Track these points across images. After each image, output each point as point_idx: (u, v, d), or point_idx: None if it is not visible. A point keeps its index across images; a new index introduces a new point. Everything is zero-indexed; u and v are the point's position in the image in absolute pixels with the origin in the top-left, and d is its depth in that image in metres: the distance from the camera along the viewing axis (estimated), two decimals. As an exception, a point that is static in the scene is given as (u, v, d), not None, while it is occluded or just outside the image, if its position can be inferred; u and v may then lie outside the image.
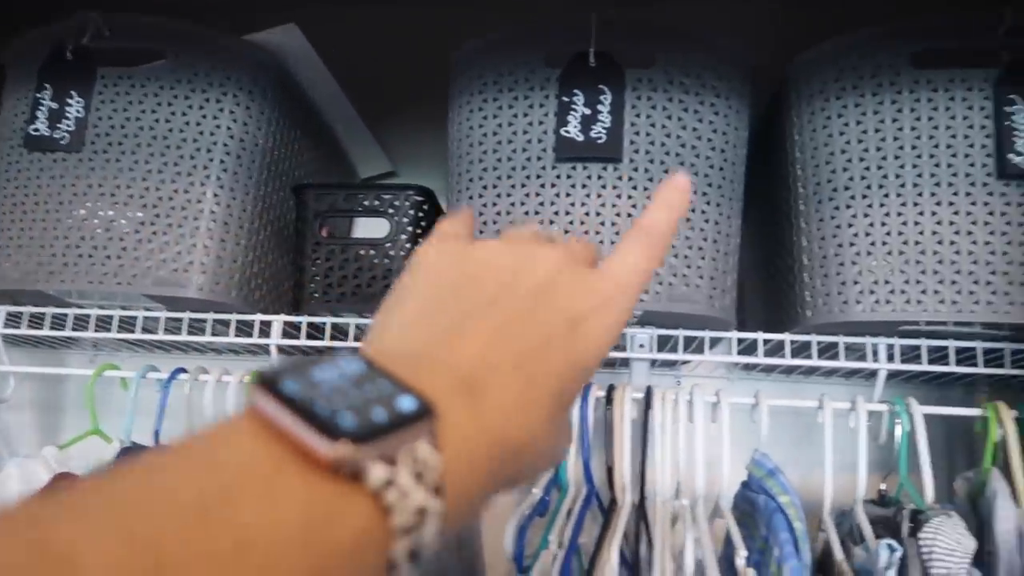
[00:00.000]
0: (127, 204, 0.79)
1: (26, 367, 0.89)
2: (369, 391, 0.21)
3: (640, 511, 0.71)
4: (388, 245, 0.82)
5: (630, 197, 0.76)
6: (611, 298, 0.29)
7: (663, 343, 0.83)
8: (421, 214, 0.84)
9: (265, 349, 0.83)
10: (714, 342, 0.81)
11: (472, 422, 0.24)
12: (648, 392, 0.74)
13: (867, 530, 0.64)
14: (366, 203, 0.84)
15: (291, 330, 0.83)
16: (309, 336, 0.82)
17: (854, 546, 0.65)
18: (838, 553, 0.62)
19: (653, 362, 0.84)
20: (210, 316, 0.83)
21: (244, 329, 0.84)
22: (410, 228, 0.83)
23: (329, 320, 0.81)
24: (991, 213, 0.72)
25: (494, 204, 0.78)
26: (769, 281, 0.91)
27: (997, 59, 0.77)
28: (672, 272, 0.75)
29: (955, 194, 0.73)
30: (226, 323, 0.83)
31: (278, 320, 0.82)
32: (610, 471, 0.73)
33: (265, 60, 0.85)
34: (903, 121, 0.76)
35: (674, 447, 0.71)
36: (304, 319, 0.82)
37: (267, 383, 0.20)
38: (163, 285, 0.77)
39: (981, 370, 0.75)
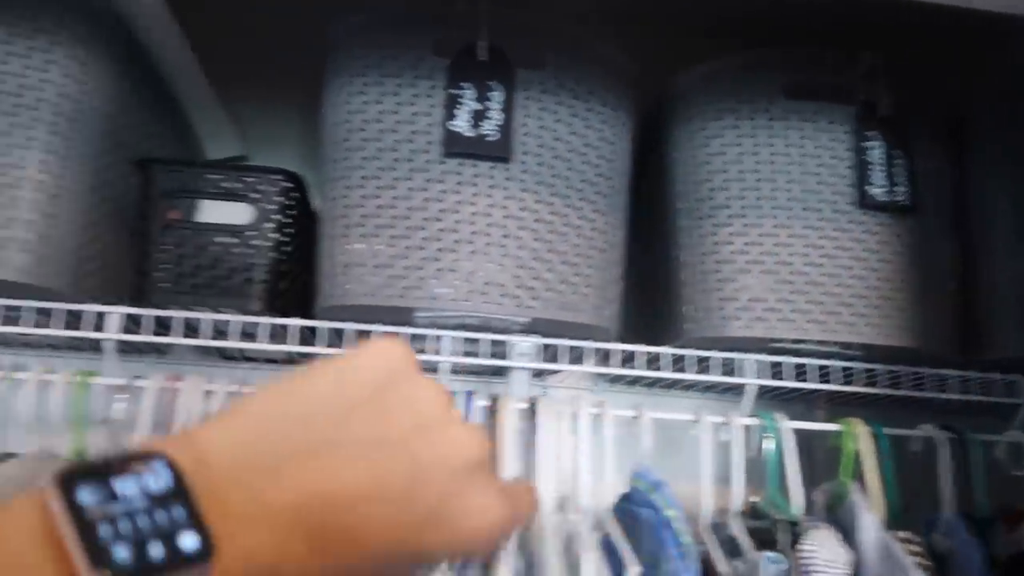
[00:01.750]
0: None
1: None
2: (160, 519, 0.20)
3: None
4: (251, 233, 0.74)
5: (519, 199, 0.73)
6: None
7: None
8: (289, 201, 0.76)
9: (97, 345, 0.70)
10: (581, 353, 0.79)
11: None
12: (533, 403, 0.71)
13: (745, 542, 0.65)
14: (225, 185, 0.75)
15: (130, 324, 0.71)
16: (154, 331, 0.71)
17: (730, 559, 0.66)
18: (723, 567, 0.63)
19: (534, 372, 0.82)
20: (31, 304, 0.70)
21: (71, 321, 0.71)
22: (276, 216, 0.75)
23: (181, 315, 0.71)
24: (852, 239, 0.77)
25: (376, 196, 0.72)
26: (643, 295, 0.92)
27: (855, 98, 0.82)
28: (560, 280, 0.73)
29: (821, 219, 0.78)
30: (49, 312, 0.70)
31: (117, 312, 0.70)
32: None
33: (105, 8, 0.74)
34: (776, 146, 0.80)
35: (558, 460, 0.69)
36: (148, 312, 0.71)
37: (65, 485, 0.20)
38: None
39: (845, 388, 0.80)
